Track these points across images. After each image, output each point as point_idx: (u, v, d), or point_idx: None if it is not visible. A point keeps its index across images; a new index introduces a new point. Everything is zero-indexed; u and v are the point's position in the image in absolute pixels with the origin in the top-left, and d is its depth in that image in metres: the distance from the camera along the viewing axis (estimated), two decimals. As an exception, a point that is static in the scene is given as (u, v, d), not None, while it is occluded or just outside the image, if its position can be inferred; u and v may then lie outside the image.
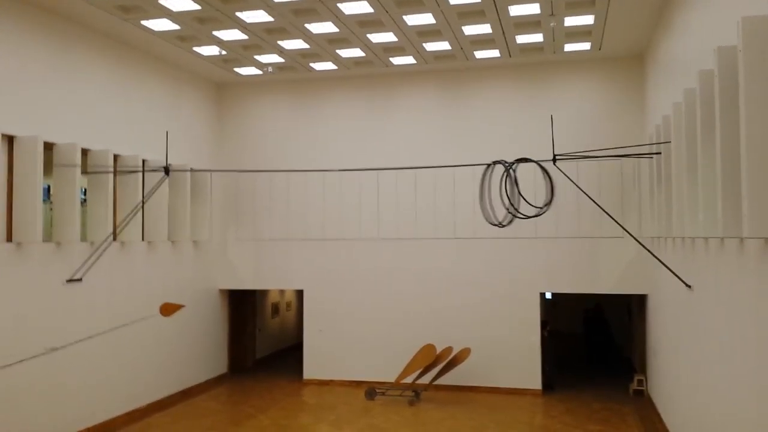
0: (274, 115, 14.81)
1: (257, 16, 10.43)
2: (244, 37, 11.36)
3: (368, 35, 11.44)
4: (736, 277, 5.81)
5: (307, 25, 10.89)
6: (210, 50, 12.23)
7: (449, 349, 12.97)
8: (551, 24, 10.87)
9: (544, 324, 13.70)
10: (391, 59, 12.92)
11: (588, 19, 10.83)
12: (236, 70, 13.61)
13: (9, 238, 9.14)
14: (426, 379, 13.01)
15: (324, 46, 12.02)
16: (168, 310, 7.21)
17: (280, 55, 12.57)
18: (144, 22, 10.69)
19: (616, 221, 8.48)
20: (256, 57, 12.68)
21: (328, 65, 13.33)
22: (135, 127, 11.91)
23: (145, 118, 12.22)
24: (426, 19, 10.62)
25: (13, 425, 9.10)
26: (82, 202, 10.61)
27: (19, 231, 9.15)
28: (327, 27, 10.96)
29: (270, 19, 10.53)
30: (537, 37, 11.70)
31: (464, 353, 12.84)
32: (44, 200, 10.10)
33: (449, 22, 10.79)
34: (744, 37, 4.45)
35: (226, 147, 14.89)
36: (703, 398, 7.47)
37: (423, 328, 13.60)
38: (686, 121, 6.76)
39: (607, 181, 12.64)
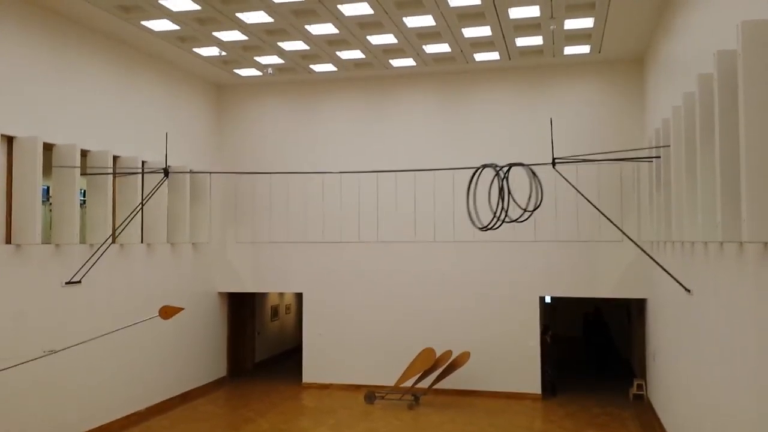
0: (273, 116, 14.80)
1: (257, 17, 10.43)
2: (244, 38, 11.36)
3: (368, 37, 11.44)
4: (735, 281, 5.79)
5: (307, 27, 10.88)
6: (210, 51, 12.23)
7: (448, 353, 12.94)
8: (551, 27, 10.86)
9: (545, 329, 13.68)
10: (390, 61, 12.92)
11: (588, 22, 10.83)
12: (236, 71, 13.61)
13: (8, 240, 9.13)
14: (425, 383, 12.98)
15: (324, 48, 12.01)
16: (167, 312, 7.16)
17: (280, 57, 12.57)
18: (144, 23, 10.69)
19: (615, 225, 8.46)
20: (256, 58, 12.68)
21: (328, 67, 13.33)
22: (134, 128, 11.90)
23: (145, 119, 12.22)
24: (426, 21, 10.61)
25: (12, 427, 9.08)
26: (81, 204, 10.60)
27: (18, 233, 9.13)
28: (327, 28, 10.96)
29: (270, 20, 10.53)
30: (537, 40, 11.69)
31: (464, 357, 12.81)
32: (43, 201, 10.09)
33: (449, 25, 10.79)
34: (744, 41, 4.44)
35: (225, 149, 14.89)
36: (702, 402, 7.45)
37: (422, 331, 13.57)
38: (686, 124, 6.75)
39: (606, 184, 12.63)
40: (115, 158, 11.30)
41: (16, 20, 9.45)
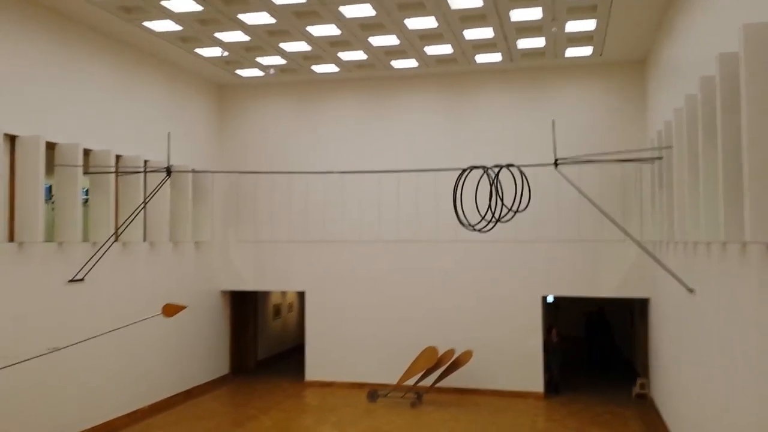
0: (275, 116, 14.82)
1: (259, 18, 10.45)
2: (245, 38, 11.38)
3: (370, 38, 11.45)
4: (738, 281, 5.81)
5: (308, 28, 10.90)
6: (212, 52, 12.25)
7: (451, 352, 12.97)
8: (553, 29, 10.87)
9: (550, 327, 13.70)
10: (392, 62, 12.93)
11: (590, 24, 10.84)
12: (238, 71, 13.63)
13: (11, 238, 9.16)
14: (428, 382, 13.01)
15: (326, 49, 12.03)
16: (170, 311, 7.18)
17: (281, 57, 12.58)
18: (146, 23, 10.71)
19: (617, 225, 8.47)
20: (258, 59, 12.70)
21: (330, 68, 13.35)
22: (137, 127, 11.94)
23: (147, 119, 12.25)
24: (428, 22, 10.62)
25: (15, 425, 9.12)
26: (83, 203, 10.63)
27: (21, 231, 9.17)
28: (329, 29, 10.98)
29: (272, 20, 10.54)
30: (539, 42, 11.70)
31: (466, 356, 12.84)
32: (46, 200, 10.11)
33: (451, 26, 10.80)
34: (745, 44, 4.46)
35: (227, 148, 14.91)
36: (704, 401, 7.47)
37: (425, 330, 13.60)
38: (688, 126, 6.78)
39: (608, 185, 12.64)
40: (117, 157, 11.33)
41: (20, 20, 9.48)
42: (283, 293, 18.36)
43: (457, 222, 8.28)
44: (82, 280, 9.70)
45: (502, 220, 8.28)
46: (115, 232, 10.53)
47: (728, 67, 5.00)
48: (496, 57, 12.55)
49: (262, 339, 16.71)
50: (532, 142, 12.69)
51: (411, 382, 12.95)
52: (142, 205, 10.17)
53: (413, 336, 13.58)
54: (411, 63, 12.98)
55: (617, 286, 12.93)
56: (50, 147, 9.81)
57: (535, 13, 10.26)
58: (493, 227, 8.33)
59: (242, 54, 12.36)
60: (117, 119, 11.45)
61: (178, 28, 10.87)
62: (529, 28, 10.97)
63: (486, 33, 11.16)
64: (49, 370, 9.46)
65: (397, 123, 14.16)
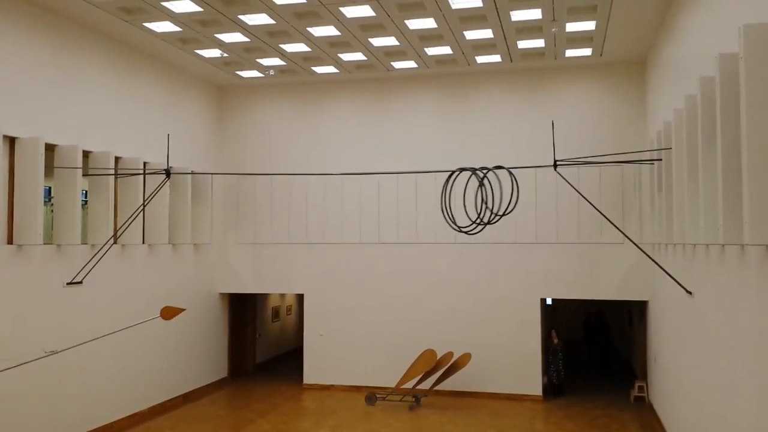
0: (275, 118, 14.81)
1: (259, 19, 10.44)
2: (245, 39, 11.37)
3: (370, 39, 11.45)
4: (736, 283, 5.79)
5: (309, 29, 10.89)
6: (212, 53, 12.24)
7: (449, 355, 12.94)
8: (553, 29, 10.87)
9: (548, 331, 13.67)
10: (392, 63, 12.93)
11: (589, 25, 10.83)
12: (238, 72, 13.62)
13: (10, 241, 9.14)
14: (426, 385, 12.98)
15: (326, 50, 12.02)
16: (169, 313, 7.16)
17: (281, 58, 12.58)
18: (146, 24, 10.71)
19: (616, 227, 8.46)
20: (258, 60, 12.70)
21: (330, 69, 13.34)
22: (136, 129, 11.92)
23: (147, 121, 12.23)
24: (428, 23, 10.62)
25: (14, 428, 9.09)
26: (82, 205, 10.61)
27: (20, 233, 9.14)
28: (329, 30, 10.97)
29: (272, 21, 10.54)
30: (538, 43, 11.70)
31: (465, 359, 12.81)
32: (45, 202, 10.09)
33: (451, 27, 10.79)
34: (745, 44, 4.45)
35: (227, 150, 14.90)
36: (703, 404, 7.45)
37: (423, 333, 13.57)
38: (687, 127, 6.76)
39: (607, 186, 12.63)
40: (116, 159, 11.31)
41: (19, 22, 9.46)
42: (282, 295, 18.34)
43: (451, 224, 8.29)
44: (80, 282, 9.67)
45: (489, 222, 8.25)
46: (114, 234, 10.51)
47: (728, 68, 4.98)
48: (495, 58, 12.55)
49: (260, 342, 16.68)
50: (532, 142, 12.67)
51: (409, 385, 12.92)
52: (141, 207, 10.16)
53: (412, 338, 13.55)
54: (411, 64, 12.97)
55: (616, 288, 12.91)
56: (49, 149, 9.78)
57: (535, 14, 10.25)
58: (481, 230, 8.33)
59: (242, 55, 12.35)
60: (116, 121, 11.44)
61: (178, 29, 10.87)
62: (528, 29, 10.97)
63: (486, 33, 11.15)
64: (47, 372, 9.44)
65: (396, 124, 14.15)
